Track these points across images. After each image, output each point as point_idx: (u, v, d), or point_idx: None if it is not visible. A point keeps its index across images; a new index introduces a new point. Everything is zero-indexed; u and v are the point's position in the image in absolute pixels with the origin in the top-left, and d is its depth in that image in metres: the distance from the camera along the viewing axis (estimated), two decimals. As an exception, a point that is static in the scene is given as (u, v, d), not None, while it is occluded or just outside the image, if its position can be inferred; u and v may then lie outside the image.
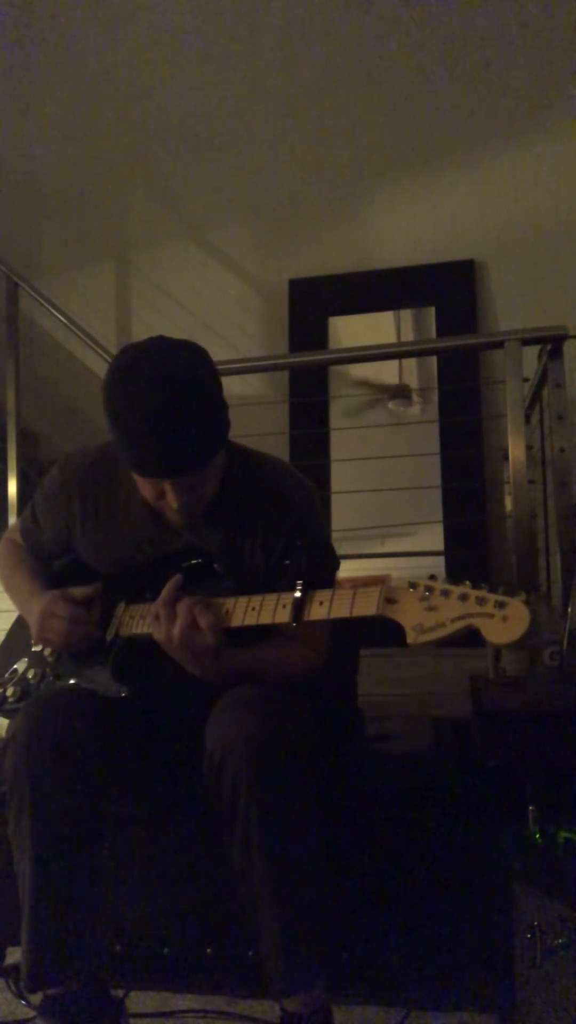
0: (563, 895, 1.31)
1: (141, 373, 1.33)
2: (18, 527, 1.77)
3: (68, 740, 1.39)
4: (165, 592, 1.39)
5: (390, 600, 1.21)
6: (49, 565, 1.72)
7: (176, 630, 1.36)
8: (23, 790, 1.37)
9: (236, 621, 1.36)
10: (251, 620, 1.35)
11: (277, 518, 1.52)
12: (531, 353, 2.52)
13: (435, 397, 3.52)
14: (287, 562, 1.49)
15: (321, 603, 1.29)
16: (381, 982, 1.59)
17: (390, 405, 3.64)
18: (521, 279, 3.44)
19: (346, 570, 1.64)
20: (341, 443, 3.49)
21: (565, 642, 1.79)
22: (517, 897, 1.37)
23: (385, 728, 1.94)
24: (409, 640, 1.18)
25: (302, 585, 1.32)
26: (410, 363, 3.62)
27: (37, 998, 1.42)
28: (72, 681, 1.55)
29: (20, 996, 1.57)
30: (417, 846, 1.61)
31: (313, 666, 1.52)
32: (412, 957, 1.58)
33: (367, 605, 1.23)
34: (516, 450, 2.38)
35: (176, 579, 1.41)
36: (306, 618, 1.30)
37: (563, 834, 1.40)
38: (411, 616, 1.18)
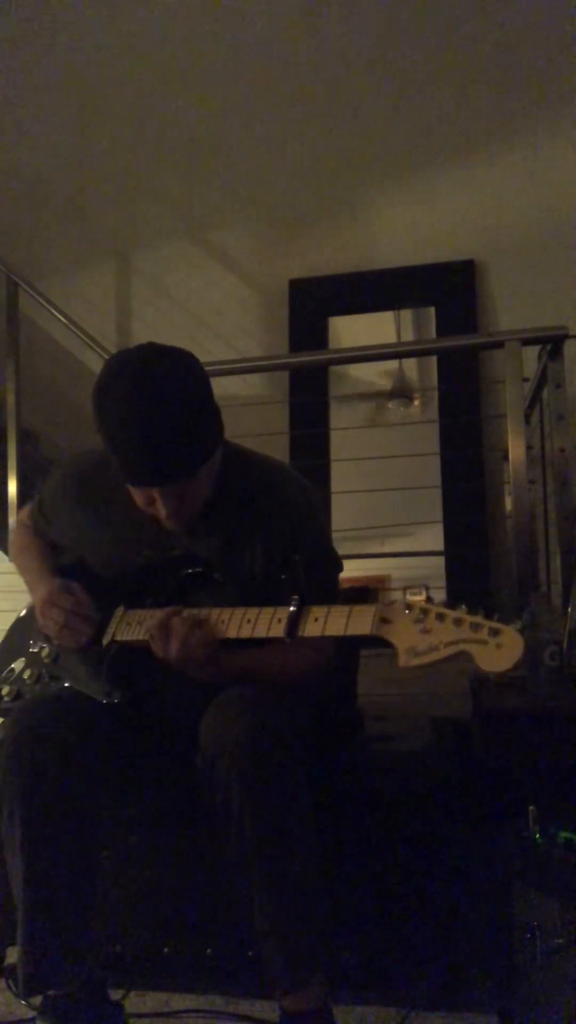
0: (563, 895, 1.31)
1: (123, 381, 1.32)
2: (28, 512, 1.76)
3: (59, 741, 1.39)
4: (159, 618, 1.39)
5: (385, 620, 1.21)
6: (60, 553, 1.72)
7: (173, 650, 1.36)
8: (13, 791, 1.37)
9: (231, 633, 1.36)
10: (246, 633, 1.34)
11: (277, 523, 1.51)
12: (531, 353, 2.52)
13: (435, 397, 3.52)
14: (284, 576, 1.48)
15: (316, 619, 1.29)
16: (381, 982, 1.59)
17: (390, 405, 3.64)
18: (521, 279, 3.45)
19: (347, 570, 1.64)
20: (341, 443, 3.50)
21: (565, 642, 1.79)
22: (517, 897, 1.37)
23: (385, 728, 1.94)
24: (401, 663, 1.18)
25: (297, 600, 1.31)
26: (410, 363, 3.63)
27: (37, 999, 1.42)
28: (66, 684, 1.55)
29: (20, 996, 1.56)
30: (417, 846, 1.61)
31: (317, 669, 1.51)
32: (412, 957, 1.58)
33: (362, 625, 1.23)
34: (516, 450, 2.39)
35: (169, 610, 1.40)
36: (300, 634, 1.29)
37: (563, 834, 1.40)
38: (405, 638, 1.18)
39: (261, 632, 1.33)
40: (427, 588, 3.20)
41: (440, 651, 1.16)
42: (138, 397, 1.31)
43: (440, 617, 1.17)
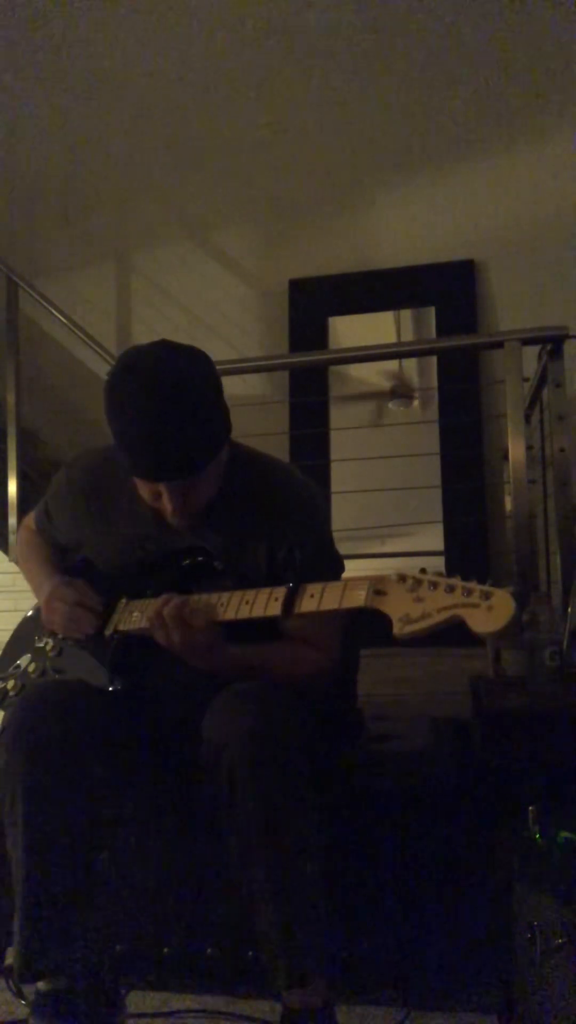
0: (563, 895, 1.31)
1: (135, 377, 1.35)
2: (33, 517, 1.79)
3: (59, 733, 1.40)
4: (158, 605, 1.41)
5: (379, 592, 1.22)
6: (64, 556, 1.74)
7: (174, 636, 1.38)
8: (15, 779, 1.39)
9: (229, 614, 1.38)
10: (244, 613, 1.36)
11: (280, 523, 1.52)
12: (531, 353, 2.52)
13: (435, 397, 3.51)
14: (284, 576, 1.48)
15: (312, 596, 1.30)
16: (381, 982, 1.59)
17: (390, 405, 3.64)
18: (521, 279, 3.44)
19: (347, 570, 1.64)
20: (341, 443, 3.49)
21: (565, 642, 1.79)
22: (517, 897, 1.37)
23: (385, 728, 1.94)
24: (395, 631, 1.18)
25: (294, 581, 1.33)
26: (410, 363, 3.62)
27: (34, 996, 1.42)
28: (68, 675, 1.56)
29: (19, 996, 1.57)
30: (417, 846, 1.61)
31: (322, 669, 1.52)
32: (412, 957, 1.58)
33: (356, 597, 1.24)
34: (516, 450, 2.39)
35: (168, 596, 1.42)
36: (297, 611, 1.30)
37: (563, 834, 1.40)
38: (398, 607, 1.19)
39: (259, 611, 1.34)
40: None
41: (433, 617, 1.15)
42: (149, 393, 1.34)
43: (433, 585, 1.18)
